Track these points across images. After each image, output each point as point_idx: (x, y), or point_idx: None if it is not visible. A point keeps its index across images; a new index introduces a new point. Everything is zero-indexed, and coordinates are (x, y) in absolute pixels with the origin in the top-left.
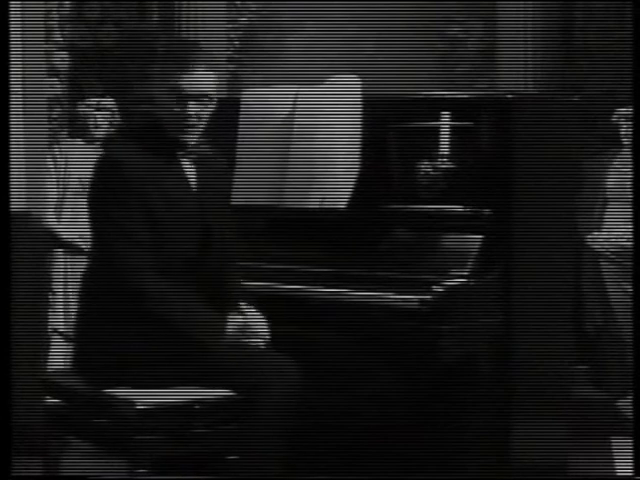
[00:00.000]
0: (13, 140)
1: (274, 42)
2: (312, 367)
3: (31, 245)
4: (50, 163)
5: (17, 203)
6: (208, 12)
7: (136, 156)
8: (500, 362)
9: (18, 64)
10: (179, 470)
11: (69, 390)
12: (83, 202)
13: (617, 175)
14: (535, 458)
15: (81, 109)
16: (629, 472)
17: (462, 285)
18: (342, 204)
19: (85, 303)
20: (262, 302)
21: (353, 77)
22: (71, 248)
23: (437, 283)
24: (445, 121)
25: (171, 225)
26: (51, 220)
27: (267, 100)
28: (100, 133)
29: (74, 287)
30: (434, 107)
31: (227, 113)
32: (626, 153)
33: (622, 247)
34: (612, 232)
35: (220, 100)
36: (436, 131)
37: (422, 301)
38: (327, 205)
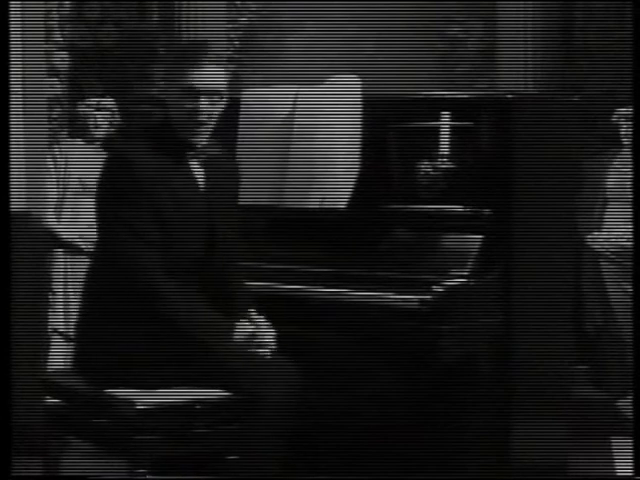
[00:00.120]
0: (13, 140)
1: (274, 42)
2: (312, 367)
3: (31, 245)
4: (50, 163)
5: (17, 203)
6: (208, 12)
7: (145, 156)
8: (500, 362)
9: (18, 64)
10: (179, 470)
11: (69, 390)
12: (83, 202)
13: (617, 175)
14: (535, 458)
15: (81, 109)
16: (629, 472)
17: (462, 285)
18: (342, 204)
19: (88, 303)
20: (262, 302)
21: (353, 77)
22: (71, 248)
23: (437, 283)
24: (445, 121)
25: (179, 225)
26: (51, 220)
27: (267, 100)
28: (100, 133)
29: (74, 287)
30: (434, 107)
31: (227, 113)
32: (626, 153)
33: (622, 247)
34: (612, 232)
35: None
36: (436, 131)
37: (422, 301)
38: (327, 205)
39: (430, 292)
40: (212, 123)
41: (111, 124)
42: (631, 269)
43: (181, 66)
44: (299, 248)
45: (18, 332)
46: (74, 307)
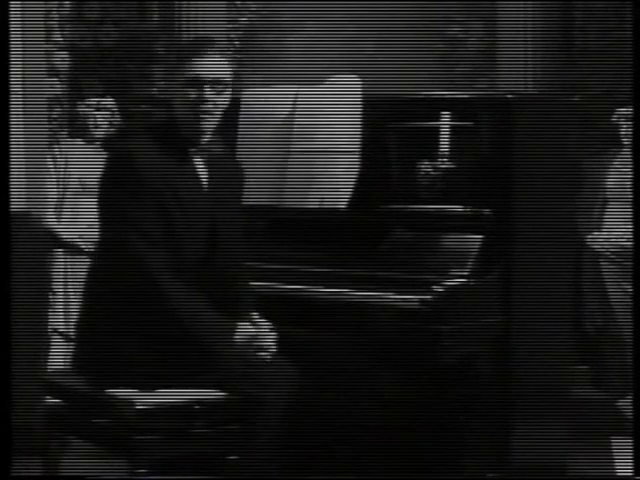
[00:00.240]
0: (13, 140)
1: (274, 42)
2: (312, 367)
3: (31, 245)
4: (50, 163)
5: (17, 203)
6: (208, 12)
7: (149, 154)
8: (500, 362)
9: (18, 64)
10: (179, 470)
11: (69, 390)
12: (83, 202)
13: (617, 175)
14: (535, 458)
15: (81, 109)
16: (629, 472)
17: (462, 285)
18: (342, 204)
19: (88, 303)
20: (262, 302)
21: (353, 77)
22: (71, 248)
23: (437, 283)
24: (445, 121)
25: (182, 224)
26: (51, 220)
27: (267, 100)
28: (100, 133)
29: (74, 287)
30: (434, 107)
31: (227, 113)
32: (626, 153)
33: (622, 247)
34: (612, 232)
35: None
36: (436, 131)
37: (422, 301)
38: (327, 205)
39: (430, 292)
40: (218, 114)
41: (111, 124)
42: (631, 269)
43: (186, 57)
44: (299, 248)
45: (18, 332)
46: (74, 307)
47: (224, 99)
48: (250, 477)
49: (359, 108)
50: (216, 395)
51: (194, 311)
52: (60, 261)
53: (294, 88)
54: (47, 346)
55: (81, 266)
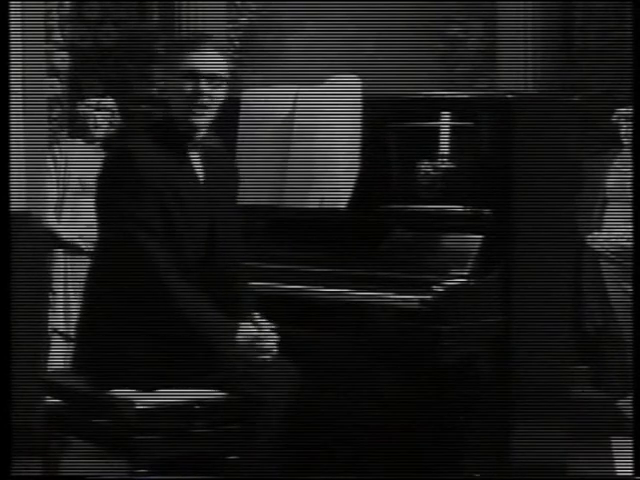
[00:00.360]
0: (13, 140)
1: (274, 42)
2: (312, 367)
3: (31, 245)
4: (50, 163)
5: (17, 203)
6: (208, 12)
7: (147, 151)
8: (500, 362)
9: (18, 64)
10: (179, 470)
11: (69, 390)
12: (83, 202)
13: (617, 175)
14: (535, 458)
15: (81, 109)
16: (629, 472)
17: (462, 285)
18: (342, 204)
19: (88, 303)
20: (262, 302)
21: (353, 77)
22: (71, 248)
23: (437, 283)
24: (445, 121)
25: (183, 223)
26: (51, 220)
27: (267, 100)
28: (100, 133)
29: (74, 287)
30: (434, 107)
31: (227, 113)
32: (626, 153)
33: (622, 247)
34: (612, 232)
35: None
36: (436, 131)
37: (422, 301)
38: (327, 205)
39: (430, 292)
40: (214, 108)
41: (111, 124)
42: (631, 269)
43: (182, 51)
44: (299, 248)
45: (18, 332)
46: (74, 307)
47: (220, 94)
48: (250, 477)
49: (359, 108)
50: (216, 395)
51: (199, 311)
52: (60, 261)
53: (294, 88)
54: (47, 346)
55: (81, 266)
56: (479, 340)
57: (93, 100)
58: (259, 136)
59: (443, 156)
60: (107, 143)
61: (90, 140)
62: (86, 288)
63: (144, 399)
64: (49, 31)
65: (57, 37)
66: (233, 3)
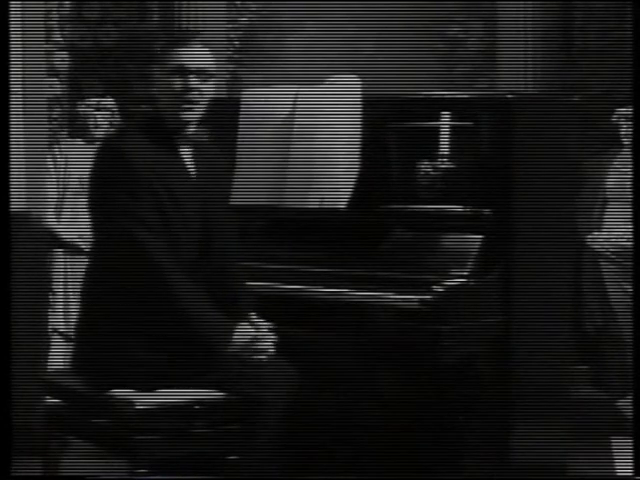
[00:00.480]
0: (13, 140)
1: (274, 42)
2: (312, 367)
3: (31, 245)
4: (50, 163)
5: (17, 203)
6: (208, 12)
7: (137, 147)
8: (500, 362)
9: (18, 64)
10: (179, 470)
11: (69, 390)
12: (83, 202)
13: (617, 175)
14: (535, 458)
15: (81, 109)
16: (629, 472)
17: (462, 285)
18: (342, 204)
19: (88, 303)
20: (261, 302)
21: (353, 77)
22: (71, 248)
23: (437, 283)
24: (445, 121)
25: (178, 222)
26: (51, 220)
27: (267, 100)
28: (100, 133)
29: (74, 287)
30: (434, 107)
31: (227, 113)
32: (626, 153)
33: (622, 247)
34: (612, 232)
35: (220, 100)
36: (436, 131)
37: (422, 301)
38: (327, 205)
39: (430, 292)
40: (203, 103)
41: (111, 124)
42: (631, 269)
43: (169, 47)
44: (299, 248)
45: (18, 332)
46: (74, 307)
47: (209, 89)
48: (250, 477)
49: (359, 108)
50: (216, 395)
51: (198, 310)
52: (60, 261)
53: (294, 88)
54: (47, 346)
55: (81, 266)
56: (479, 340)
57: (93, 100)
58: (259, 136)
59: (443, 156)
60: (108, 138)
61: (90, 140)
62: (84, 288)
63: (144, 399)
64: (49, 31)
65: (57, 37)
66: (233, 3)
